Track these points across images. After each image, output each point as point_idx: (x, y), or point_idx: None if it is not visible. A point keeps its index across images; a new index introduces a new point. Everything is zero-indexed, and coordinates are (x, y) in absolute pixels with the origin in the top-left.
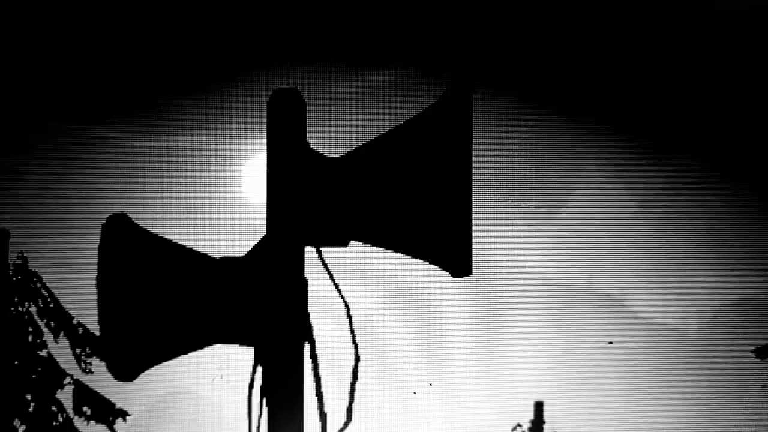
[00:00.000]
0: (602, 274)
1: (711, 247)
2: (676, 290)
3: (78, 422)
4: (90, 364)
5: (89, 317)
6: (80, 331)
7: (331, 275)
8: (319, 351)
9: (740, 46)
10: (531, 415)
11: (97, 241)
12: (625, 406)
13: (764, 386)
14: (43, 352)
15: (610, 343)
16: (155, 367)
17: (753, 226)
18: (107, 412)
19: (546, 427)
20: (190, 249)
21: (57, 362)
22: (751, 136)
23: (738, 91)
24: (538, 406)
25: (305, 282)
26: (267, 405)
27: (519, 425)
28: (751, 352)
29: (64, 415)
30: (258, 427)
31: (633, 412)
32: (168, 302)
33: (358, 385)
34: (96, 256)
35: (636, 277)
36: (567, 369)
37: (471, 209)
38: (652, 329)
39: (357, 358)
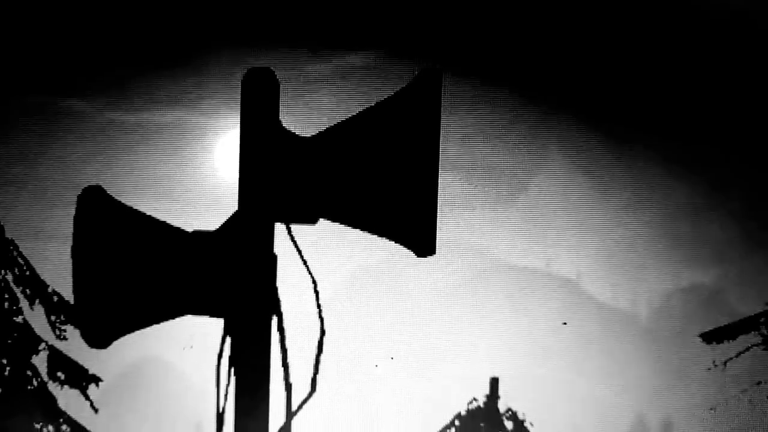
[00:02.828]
0: (560, 258)
1: (664, 237)
2: (630, 276)
3: (52, 387)
4: (64, 331)
5: (64, 286)
6: (55, 299)
7: (299, 252)
8: (286, 324)
9: (707, 40)
10: (487, 390)
11: (73, 212)
12: (576, 383)
13: (708, 369)
14: (19, 319)
15: (564, 323)
16: (127, 336)
17: (703, 218)
18: (81, 377)
19: (500, 402)
20: (163, 222)
21: (32, 328)
22: (707, 132)
23: (696, 86)
24: (494, 382)
25: (274, 257)
26: (235, 374)
27: (475, 399)
28: (698, 336)
29: (39, 379)
30: (226, 395)
31: (583, 389)
32: (141, 273)
33: (322, 357)
34: (71, 227)
35: (592, 262)
36: (522, 347)
37: (437, 191)
38: (605, 312)
39: (322, 332)
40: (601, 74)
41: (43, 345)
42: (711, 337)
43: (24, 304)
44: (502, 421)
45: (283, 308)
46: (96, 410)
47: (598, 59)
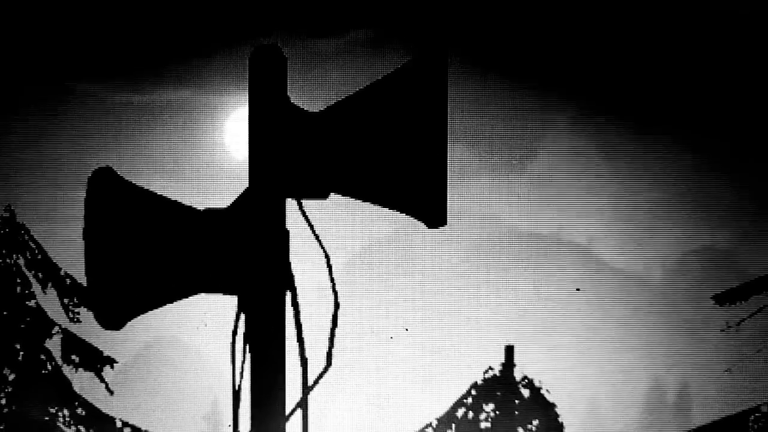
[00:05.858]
0: (571, 224)
1: (675, 199)
2: (642, 239)
3: (66, 370)
4: (78, 313)
5: (76, 268)
6: (68, 281)
7: (311, 226)
8: (300, 299)
9: (708, 20)
10: (502, 359)
11: (84, 194)
12: (591, 349)
13: (722, 330)
14: (32, 303)
15: (578, 290)
16: (141, 316)
17: (715, 179)
18: (95, 359)
19: (516, 370)
20: (175, 201)
21: (45, 312)
22: (714, 92)
23: (705, 54)
24: (509, 350)
25: (286, 233)
26: (250, 351)
27: (491, 368)
28: (711, 298)
29: (53, 363)
30: (241, 372)
31: (599, 355)
32: (153, 253)
33: (337, 331)
34: (82, 209)
35: (603, 227)
36: (537, 314)
37: (446, 162)
38: (618, 277)
39: (336, 306)
40: (607, 42)
41: (56, 328)
42: (723, 298)
43: (36, 287)
44: (518, 389)
45: (297, 283)
46: (111, 392)
47: (605, 27)
